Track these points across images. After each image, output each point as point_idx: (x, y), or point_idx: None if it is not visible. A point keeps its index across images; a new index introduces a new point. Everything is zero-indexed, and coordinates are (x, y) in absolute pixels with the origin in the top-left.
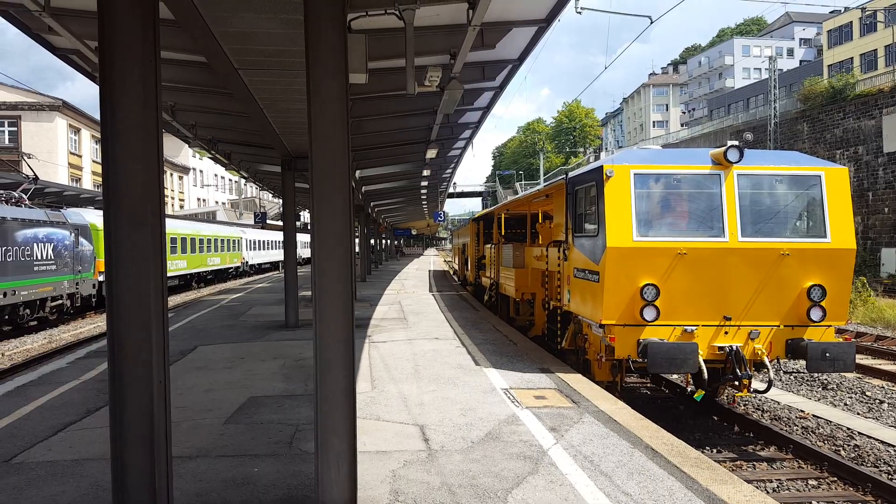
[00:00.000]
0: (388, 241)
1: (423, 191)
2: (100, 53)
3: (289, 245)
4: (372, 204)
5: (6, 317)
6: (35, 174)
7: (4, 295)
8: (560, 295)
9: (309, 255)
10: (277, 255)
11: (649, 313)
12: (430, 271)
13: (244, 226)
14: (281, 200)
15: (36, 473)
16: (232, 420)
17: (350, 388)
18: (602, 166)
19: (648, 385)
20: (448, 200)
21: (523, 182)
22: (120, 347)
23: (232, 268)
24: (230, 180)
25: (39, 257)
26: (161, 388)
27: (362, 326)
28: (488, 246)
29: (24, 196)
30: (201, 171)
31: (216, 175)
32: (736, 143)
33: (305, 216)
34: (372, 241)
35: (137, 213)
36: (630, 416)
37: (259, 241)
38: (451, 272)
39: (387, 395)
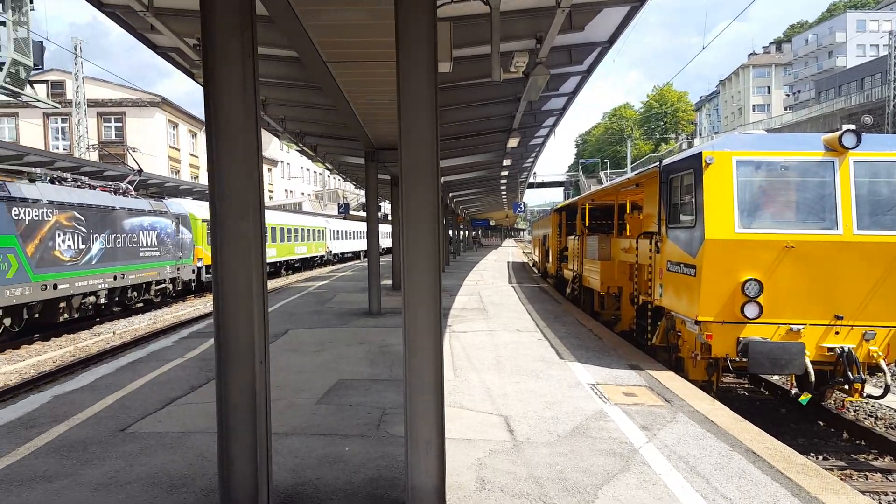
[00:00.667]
0: (466, 232)
1: (503, 181)
2: (202, 51)
3: (371, 235)
4: (451, 195)
5: (116, 298)
6: (139, 166)
7: (115, 278)
8: (651, 289)
9: (388, 246)
10: (358, 244)
11: (751, 310)
12: (508, 262)
13: (328, 216)
14: (363, 191)
15: (147, 443)
16: (323, 401)
17: (438, 376)
18: (701, 153)
19: (746, 386)
20: (528, 190)
21: (608, 171)
22: (225, 329)
23: (317, 256)
24: (315, 172)
25: (145, 244)
26: (262, 367)
27: (443, 316)
28: (571, 237)
29: (129, 187)
30: (288, 164)
31: (302, 167)
32: (852, 126)
33: (385, 207)
34: (450, 232)
35: (241, 204)
36: (729, 417)
37: (342, 231)
38: (531, 264)
39: (469, 384)
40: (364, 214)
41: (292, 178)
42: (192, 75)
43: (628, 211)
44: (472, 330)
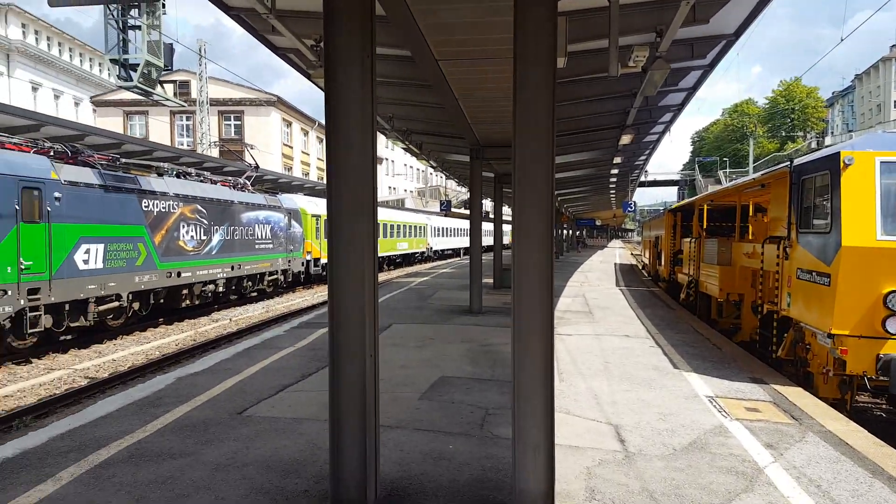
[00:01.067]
0: (569, 232)
1: (613, 179)
2: (324, 49)
3: (474, 232)
4: (556, 193)
5: (233, 287)
6: (256, 163)
7: (232, 268)
8: (777, 298)
9: (489, 244)
10: (458, 241)
11: (894, 325)
12: (615, 264)
13: (429, 213)
14: (464, 189)
15: (262, 427)
16: (426, 396)
17: (548, 380)
18: (839, 153)
19: (884, 407)
20: (638, 189)
21: (727, 170)
22: (339, 324)
23: (418, 252)
24: (418, 169)
25: (260, 237)
26: (371, 361)
27: None
28: (687, 240)
29: (247, 182)
30: (392, 161)
31: (405, 165)
32: None
33: (487, 205)
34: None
35: (356, 202)
36: (867, 440)
37: (442, 228)
38: (640, 266)
39: (576, 389)
40: (464, 212)
41: (396, 175)
42: (308, 76)
43: (751, 213)
44: (577, 333)
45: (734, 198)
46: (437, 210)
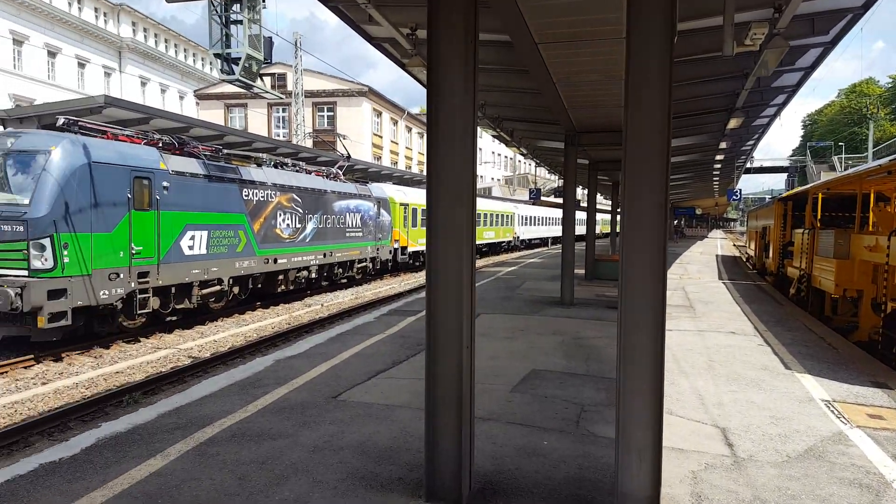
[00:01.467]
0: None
1: (717, 165)
2: (427, 34)
3: (567, 221)
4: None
5: (325, 273)
6: (348, 153)
7: (324, 255)
8: None
9: (581, 233)
10: (546, 231)
11: None
12: (717, 256)
13: (517, 201)
14: (555, 176)
15: (356, 412)
16: (518, 389)
17: (658, 380)
18: None
19: None
20: (743, 177)
21: (843, 156)
22: (435, 314)
23: (504, 242)
24: (505, 157)
25: (350, 225)
26: (467, 353)
27: None
28: (798, 231)
29: (339, 172)
30: (480, 149)
31: (493, 153)
32: None
33: (577, 192)
34: None
35: (456, 190)
36: None
37: (530, 217)
38: (745, 258)
39: (678, 388)
40: (554, 200)
41: (484, 162)
42: (402, 65)
43: (873, 203)
44: (677, 329)
45: (854, 186)
46: (525, 198)
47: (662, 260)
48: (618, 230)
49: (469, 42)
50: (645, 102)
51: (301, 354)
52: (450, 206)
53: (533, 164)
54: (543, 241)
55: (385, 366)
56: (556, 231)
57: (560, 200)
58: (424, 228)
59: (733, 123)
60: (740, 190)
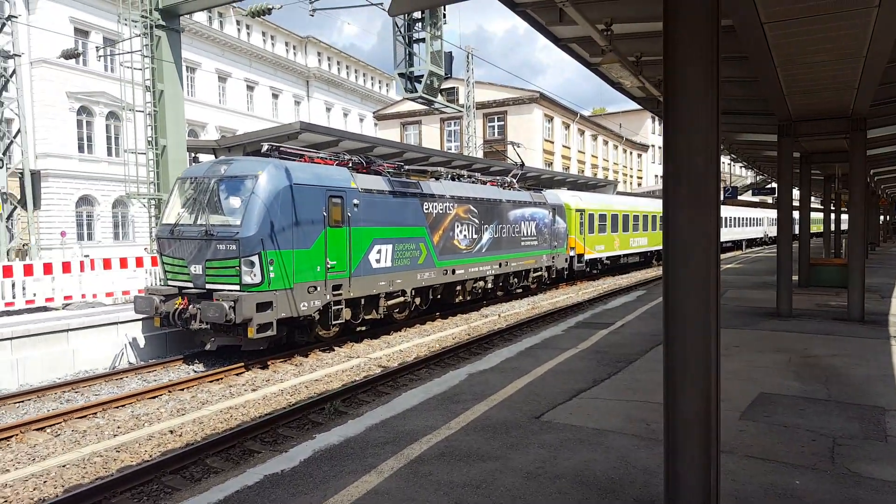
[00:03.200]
0: (886, 217)
1: None
2: (664, 17)
3: (783, 221)
4: (871, 171)
5: (500, 283)
6: (522, 161)
7: (500, 265)
8: None
9: (775, 235)
10: (740, 232)
11: None
12: None
13: None
14: (750, 172)
15: (564, 435)
16: (748, 416)
17: None
18: None
19: None
20: None
21: None
22: (674, 336)
23: None
24: None
25: (525, 233)
26: (714, 378)
27: (873, 322)
28: None
29: (513, 180)
30: (659, 148)
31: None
32: None
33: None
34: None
35: (696, 192)
36: None
37: (722, 218)
38: None
39: None
40: (749, 199)
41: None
42: (588, 64)
43: None
44: None
45: None
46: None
47: None
48: (832, 229)
49: (711, 19)
50: None
51: (493, 369)
52: (690, 210)
53: (728, 161)
54: (736, 244)
55: (586, 384)
56: (752, 233)
57: (757, 199)
58: (602, 235)
59: None
60: None
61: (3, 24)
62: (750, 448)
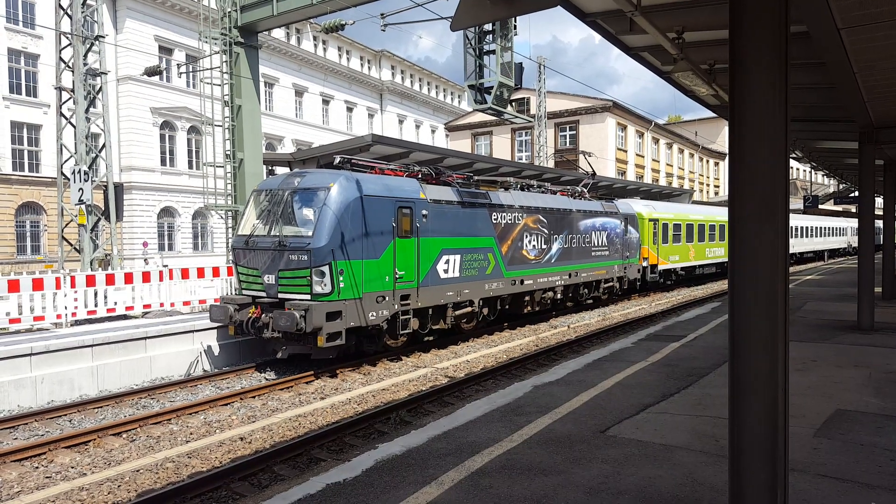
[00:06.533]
0: None
1: None
2: (730, 24)
3: (865, 231)
4: None
5: (570, 294)
6: (593, 170)
7: (569, 276)
8: None
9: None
10: (821, 243)
11: None
12: None
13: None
14: (831, 181)
15: (629, 451)
16: (823, 434)
17: None
18: None
19: None
20: None
21: None
22: (739, 351)
23: None
24: None
25: (596, 244)
26: (783, 397)
27: None
28: None
29: (584, 190)
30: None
31: None
32: None
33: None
34: None
35: (763, 202)
36: None
37: (801, 228)
38: None
39: None
40: (832, 208)
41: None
42: (660, 73)
43: None
44: None
45: None
46: (802, 207)
47: None
48: None
49: (779, 25)
50: None
51: (559, 381)
52: (757, 222)
53: (801, 168)
54: (818, 255)
55: (654, 399)
56: (834, 243)
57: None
58: (676, 245)
59: None
60: None
61: (92, 44)
62: (823, 467)
